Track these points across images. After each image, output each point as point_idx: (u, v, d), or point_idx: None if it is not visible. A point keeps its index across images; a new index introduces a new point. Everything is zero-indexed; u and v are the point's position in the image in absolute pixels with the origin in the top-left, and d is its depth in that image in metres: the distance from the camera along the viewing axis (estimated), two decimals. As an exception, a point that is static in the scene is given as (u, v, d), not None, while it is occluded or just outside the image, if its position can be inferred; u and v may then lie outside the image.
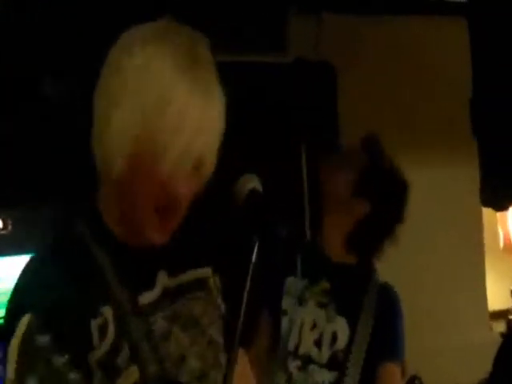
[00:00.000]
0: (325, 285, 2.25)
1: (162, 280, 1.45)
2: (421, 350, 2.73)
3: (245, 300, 1.34)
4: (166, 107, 1.28)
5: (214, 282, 1.55)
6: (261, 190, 1.44)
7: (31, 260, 1.41)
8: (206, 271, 1.54)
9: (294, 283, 2.27)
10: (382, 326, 2.19)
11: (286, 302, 2.26)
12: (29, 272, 1.38)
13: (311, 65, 2.80)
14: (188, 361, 1.44)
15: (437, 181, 3.16)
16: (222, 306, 1.56)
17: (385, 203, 2.21)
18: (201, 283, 1.51)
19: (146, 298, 1.42)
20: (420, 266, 3.12)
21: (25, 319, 1.27)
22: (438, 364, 3.01)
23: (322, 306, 2.23)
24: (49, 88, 2.62)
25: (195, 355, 1.45)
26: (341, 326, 2.20)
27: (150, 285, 1.43)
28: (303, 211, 3.03)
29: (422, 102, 3.11)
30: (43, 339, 1.28)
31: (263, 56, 2.84)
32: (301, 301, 2.25)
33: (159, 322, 1.42)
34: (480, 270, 3.34)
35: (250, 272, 1.34)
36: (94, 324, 1.36)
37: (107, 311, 1.38)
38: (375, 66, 3.06)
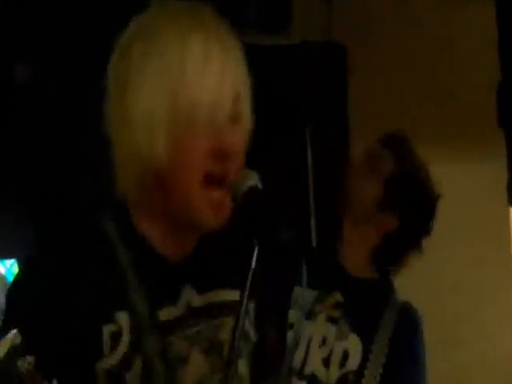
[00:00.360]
0: (337, 297, 2.07)
1: (188, 296, 1.36)
2: (447, 366, 2.56)
3: (242, 313, 1.24)
4: (186, 68, 1.24)
5: (246, 307, 1.39)
6: (261, 187, 1.33)
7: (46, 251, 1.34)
8: (235, 293, 1.39)
9: (301, 294, 2.08)
10: (400, 348, 2.00)
11: (293, 315, 2.05)
12: (39, 265, 1.31)
13: (320, 46, 2.56)
14: None
15: (459, 178, 2.89)
16: (253, 335, 1.44)
17: (414, 217, 2.10)
18: (230, 307, 1.38)
19: (168, 313, 1.33)
20: (442, 274, 2.86)
21: (7, 339, 1.12)
22: (466, 380, 2.83)
23: (333, 320, 2.05)
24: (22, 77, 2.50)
25: None
26: (353, 344, 2.01)
27: (173, 300, 1.34)
28: (308, 210, 2.88)
29: (441, 89, 2.83)
30: (24, 364, 1.13)
31: (267, 38, 2.72)
32: (309, 314, 2.06)
33: (178, 343, 1.33)
34: (508, 278, 3.06)
35: (249, 279, 1.25)
36: (107, 330, 1.27)
37: (122, 319, 1.28)
38: (389, 47, 2.80)
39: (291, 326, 2.03)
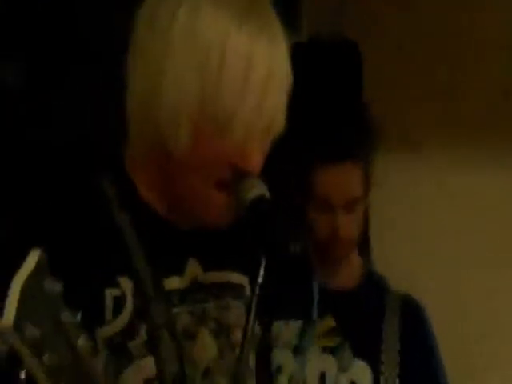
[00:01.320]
0: (329, 322, 1.86)
1: (194, 270, 1.31)
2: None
3: (249, 334, 1.20)
4: (226, 62, 1.17)
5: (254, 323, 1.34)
6: (268, 196, 1.28)
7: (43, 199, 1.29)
8: (243, 279, 1.38)
9: (283, 328, 1.85)
10: (412, 359, 1.83)
11: (278, 355, 1.82)
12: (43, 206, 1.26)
13: (331, 44, 2.46)
14: (213, 378, 1.30)
15: (482, 185, 2.75)
16: (257, 327, 1.37)
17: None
18: (237, 291, 1.36)
19: (173, 283, 1.28)
20: (465, 284, 2.67)
21: (34, 255, 1.01)
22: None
23: (330, 351, 1.83)
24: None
25: (222, 372, 1.31)
26: (361, 373, 1.81)
27: (178, 270, 1.29)
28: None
29: (463, 88, 2.69)
30: (54, 287, 1.04)
31: None
32: (298, 349, 1.84)
33: (185, 317, 1.28)
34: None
35: (256, 297, 1.20)
36: (109, 294, 1.22)
37: (125, 283, 1.23)
38: (406, 44, 2.68)
39: (279, 369, 1.81)
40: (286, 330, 1.84)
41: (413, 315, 1.92)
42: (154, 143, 1.25)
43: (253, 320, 1.20)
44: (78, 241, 1.21)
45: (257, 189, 1.28)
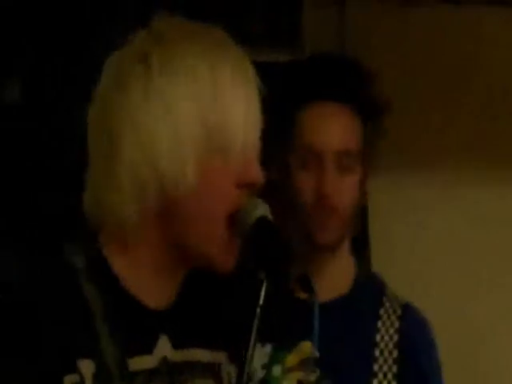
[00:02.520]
0: (306, 350, 1.54)
1: (163, 348, 1.24)
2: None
3: (250, 356, 1.17)
4: (221, 99, 1.20)
5: (228, 372, 1.33)
6: (270, 216, 1.26)
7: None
8: (219, 356, 1.32)
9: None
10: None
11: None
12: None
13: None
14: None
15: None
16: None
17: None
18: (211, 368, 1.30)
19: (140, 363, 1.21)
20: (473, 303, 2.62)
21: None
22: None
23: None
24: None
25: None
26: None
27: (148, 349, 1.23)
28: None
29: (474, 109, 2.63)
30: None
31: (276, 54, 2.60)
32: None
33: None
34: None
35: (257, 319, 1.17)
36: (68, 382, 1.15)
37: (86, 367, 1.16)
38: (413, 63, 2.64)
39: None
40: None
41: (413, 331, 1.67)
42: (155, 187, 1.20)
43: (252, 347, 1.18)
44: (39, 318, 1.16)
45: (259, 210, 1.27)
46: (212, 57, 1.21)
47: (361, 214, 2.45)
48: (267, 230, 1.25)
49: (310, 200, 1.60)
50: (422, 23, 2.65)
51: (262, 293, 1.18)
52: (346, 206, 1.62)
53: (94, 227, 1.26)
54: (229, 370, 1.33)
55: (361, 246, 2.34)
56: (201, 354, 1.29)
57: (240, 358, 1.26)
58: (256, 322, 1.17)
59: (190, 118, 1.19)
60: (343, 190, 1.61)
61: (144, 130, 1.19)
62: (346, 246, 1.71)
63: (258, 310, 1.18)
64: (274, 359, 1.54)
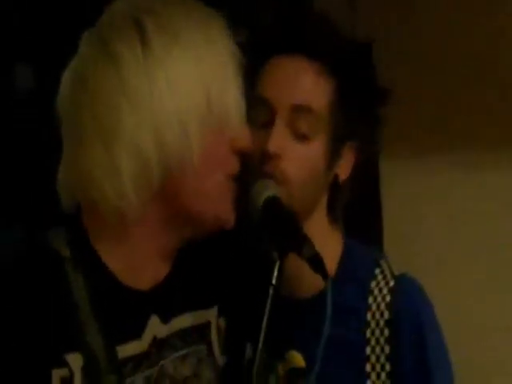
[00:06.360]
0: (296, 359, 1.40)
1: (154, 327, 1.23)
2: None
3: (262, 336, 1.15)
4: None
5: (218, 328, 1.32)
6: (281, 196, 1.25)
7: None
8: (208, 313, 1.31)
9: None
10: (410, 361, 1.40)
11: None
12: None
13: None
14: None
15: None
16: (221, 361, 1.31)
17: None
18: (199, 332, 1.28)
19: (129, 349, 1.19)
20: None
21: None
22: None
23: None
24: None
25: None
26: None
27: (138, 333, 1.21)
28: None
29: (489, 102, 2.53)
30: None
31: None
32: None
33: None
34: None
35: (270, 297, 1.16)
36: (56, 376, 1.12)
37: (74, 361, 1.14)
38: (427, 52, 2.54)
39: None
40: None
41: (405, 303, 1.41)
42: (162, 165, 1.16)
43: (266, 323, 1.16)
44: (25, 311, 1.12)
45: (269, 190, 1.28)
46: (203, 26, 1.20)
47: (372, 199, 2.47)
48: (277, 210, 1.25)
49: (256, 164, 1.35)
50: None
51: (275, 273, 1.18)
52: (295, 175, 1.35)
53: (71, 209, 1.21)
54: (219, 325, 1.32)
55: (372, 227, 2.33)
56: (188, 319, 1.27)
57: (231, 310, 1.29)
58: (269, 301, 1.17)
59: (193, 89, 1.16)
60: (293, 155, 1.35)
61: (146, 105, 1.14)
62: (318, 226, 1.42)
63: (271, 289, 1.17)
64: (269, 368, 1.38)
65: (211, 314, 1.31)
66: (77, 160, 1.17)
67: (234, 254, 1.38)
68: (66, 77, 1.20)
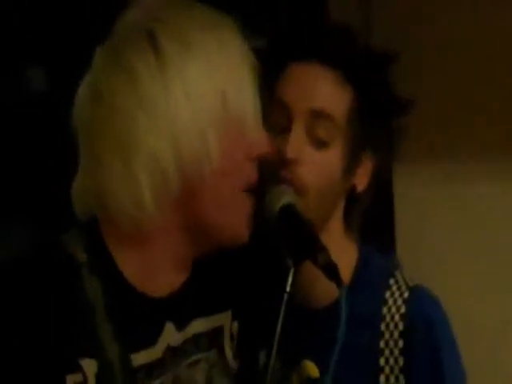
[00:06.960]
0: (311, 369, 1.40)
1: (168, 335, 1.22)
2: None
3: (276, 344, 1.16)
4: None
5: (231, 333, 1.31)
6: (297, 204, 1.25)
7: None
8: (221, 317, 1.30)
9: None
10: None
11: None
12: None
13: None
14: None
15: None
16: (234, 365, 1.31)
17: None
18: (212, 337, 1.28)
19: (143, 357, 1.18)
20: None
21: None
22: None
23: None
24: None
25: None
26: None
27: (151, 341, 1.20)
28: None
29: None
30: None
31: None
32: None
33: None
34: None
35: (284, 304, 1.17)
36: (70, 381, 1.11)
37: (88, 366, 1.13)
38: (443, 55, 2.51)
39: None
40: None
41: (419, 314, 1.39)
42: (179, 172, 1.15)
43: (278, 333, 1.17)
44: (40, 316, 1.12)
45: (285, 197, 1.27)
46: (214, 30, 1.19)
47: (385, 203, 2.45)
48: (293, 217, 1.24)
49: (273, 169, 1.33)
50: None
51: (290, 280, 1.17)
52: (311, 181, 1.34)
53: (85, 217, 1.21)
54: (232, 329, 1.31)
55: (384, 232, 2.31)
56: (202, 324, 1.26)
57: (244, 314, 1.28)
58: (283, 308, 1.17)
59: (208, 94, 1.15)
60: (311, 161, 1.34)
61: (162, 115, 1.13)
62: (333, 235, 1.41)
63: (286, 296, 1.17)
64: (283, 377, 1.39)
65: (224, 318, 1.31)
66: (94, 173, 1.17)
67: (249, 259, 1.36)
68: (82, 90, 1.19)
